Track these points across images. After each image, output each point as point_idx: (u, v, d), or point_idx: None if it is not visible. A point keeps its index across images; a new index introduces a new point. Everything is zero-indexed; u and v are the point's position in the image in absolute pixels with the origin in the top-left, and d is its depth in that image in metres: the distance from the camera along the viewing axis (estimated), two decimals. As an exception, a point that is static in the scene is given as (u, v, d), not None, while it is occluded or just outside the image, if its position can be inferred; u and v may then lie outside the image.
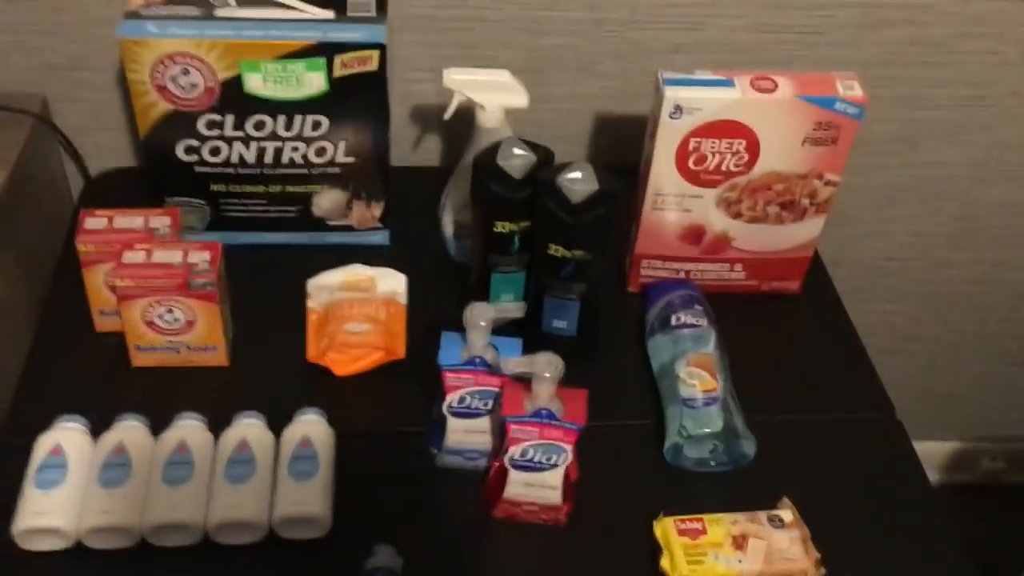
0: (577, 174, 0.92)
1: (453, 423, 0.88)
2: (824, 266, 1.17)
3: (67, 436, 0.88)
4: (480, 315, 0.82)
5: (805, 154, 1.00)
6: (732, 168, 1.00)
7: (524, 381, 0.82)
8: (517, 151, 0.94)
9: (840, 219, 1.39)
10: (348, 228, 1.13)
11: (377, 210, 1.12)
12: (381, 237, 1.15)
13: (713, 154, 0.99)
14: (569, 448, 0.82)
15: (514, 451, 0.83)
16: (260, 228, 1.12)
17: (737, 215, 1.05)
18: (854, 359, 1.07)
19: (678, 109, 0.96)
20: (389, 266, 1.09)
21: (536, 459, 0.83)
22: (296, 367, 1.00)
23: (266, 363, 1.01)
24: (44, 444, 0.87)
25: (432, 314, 1.06)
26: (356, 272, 1.08)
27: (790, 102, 0.96)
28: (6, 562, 0.82)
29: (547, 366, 0.79)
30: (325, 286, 1.07)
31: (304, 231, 1.13)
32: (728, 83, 0.96)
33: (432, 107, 1.25)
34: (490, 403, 0.87)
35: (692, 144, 0.98)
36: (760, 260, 1.09)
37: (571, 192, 0.91)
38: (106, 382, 0.98)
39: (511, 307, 0.85)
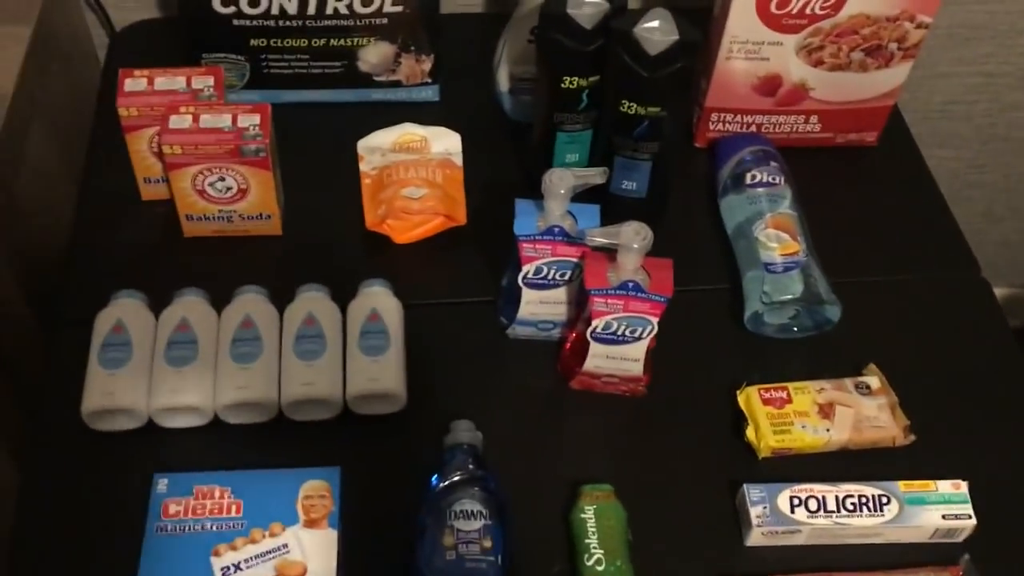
0: (655, 23, 0.84)
1: (529, 294, 0.84)
2: (902, 116, 1.10)
3: (128, 312, 0.84)
4: (560, 182, 0.77)
5: (899, -6, 0.92)
6: (817, 11, 0.92)
7: (607, 251, 0.78)
8: (589, -1, 0.86)
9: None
10: (396, 84, 1.06)
11: (427, 64, 1.05)
12: (431, 92, 1.08)
13: (798, -4, 0.91)
14: (655, 320, 0.78)
15: (597, 324, 0.79)
16: (303, 85, 1.05)
17: (818, 63, 0.97)
18: (935, 215, 1.02)
19: (764, -53, 0.87)
20: (440, 124, 1.03)
21: (620, 332, 0.79)
22: (353, 235, 0.96)
23: (321, 231, 0.96)
24: (104, 321, 0.83)
25: (489, 176, 1.01)
26: (408, 131, 1.02)
27: (888, -64, 0.87)
28: (78, 442, 0.80)
29: (635, 237, 0.74)
30: (376, 147, 1.01)
31: (350, 87, 1.06)
32: (820, -84, 0.87)
33: (478, -54, 1.16)
34: (568, 274, 0.82)
35: (776, -15, 0.90)
36: (838, 111, 1.02)
37: (648, 43, 0.84)
38: (159, 254, 0.94)
39: (591, 172, 0.79)
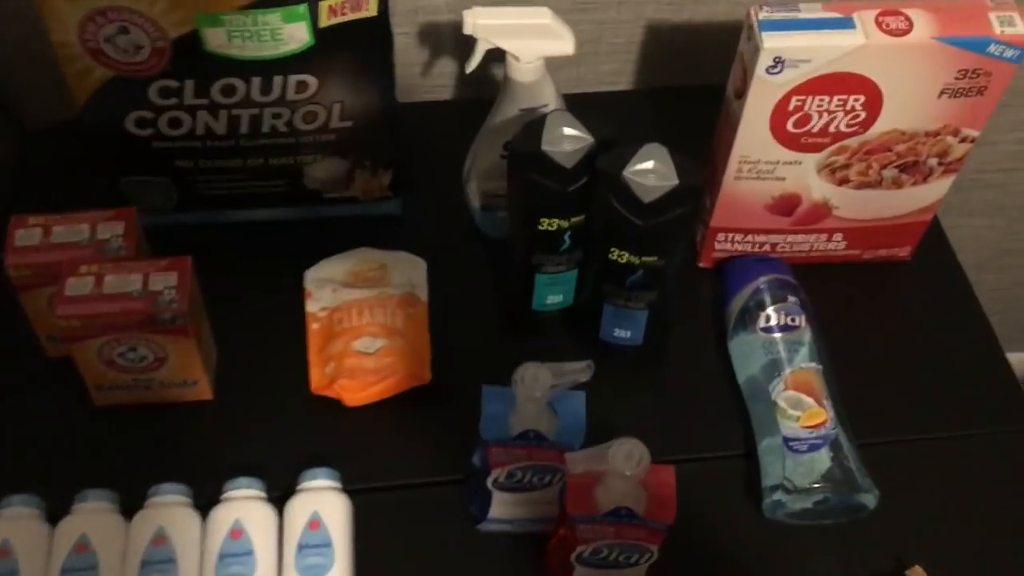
0: (648, 163, 0.69)
1: (501, 496, 0.70)
2: (941, 224, 0.95)
3: (15, 528, 0.70)
4: (534, 384, 0.62)
5: (940, 108, 0.77)
6: (843, 129, 0.77)
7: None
8: (567, 131, 0.71)
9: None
10: (351, 200, 0.91)
11: (385, 178, 0.90)
12: (391, 207, 0.93)
13: (820, 114, 0.76)
14: (654, 548, 0.64)
15: (583, 549, 0.64)
16: (242, 205, 0.91)
17: (843, 181, 0.82)
18: (980, 349, 0.87)
19: (779, 62, 0.72)
20: (403, 239, 0.89)
21: (612, 558, 0.65)
22: (296, 396, 0.81)
23: (259, 393, 0.82)
24: (-11, 540, 0.69)
25: (460, 310, 0.87)
26: (364, 258, 0.88)
27: (928, 47, 0.72)
28: None
29: (626, 463, 0.59)
30: (327, 280, 0.86)
31: (297, 206, 0.91)
32: (846, 23, 0.72)
33: (446, 25, 1.00)
34: (548, 478, 0.68)
35: (794, 103, 0.75)
36: (867, 228, 0.87)
37: (641, 189, 0.69)
38: (64, 432, 0.79)
39: (576, 368, 0.64)
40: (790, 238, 0.88)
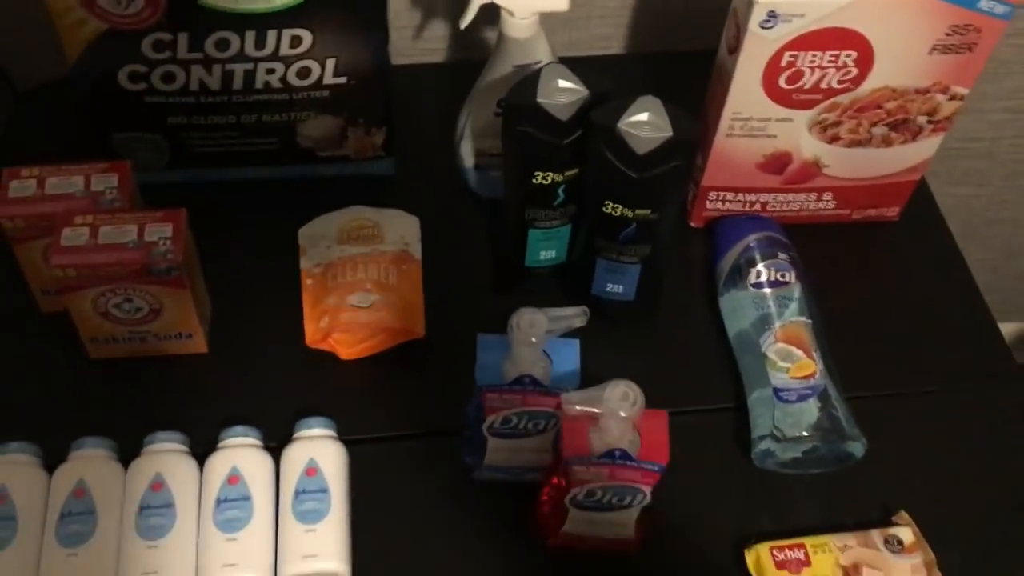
0: (643, 115, 0.70)
1: (496, 443, 0.70)
2: (929, 187, 0.96)
3: (13, 473, 0.70)
4: (530, 329, 0.63)
5: (930, 65, 0.77)
6: (835, 85, 0.78)
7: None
8: (563, 84, 0.72)
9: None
10: (344, 159, 0.92)
11: (378, 136, 0.90)
12: (384, 167, 0.93)
13: (812, 69, 0.77)
14: (648, 489, 0.65)
15: (577, 492, 0.65)
16: (234, 163, 0.91)
17: (834, 139, 0.83)
18: (966, 305, 0.88)
19: (773, 16, 0.73)
20: (396, 201, 0.89)
21: (605, 500, 0.66)
22: (291, 349, 0.82)
23: (254, 347, 0.82)
24: (-14, 486, 0.69)
25: (452, 268, 0.87)
26: (357, 216, 0.88)
27: (919, 2, 0.73)
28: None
29: (621, 403, 0.60)
30: (320, 236, 0.87)
31: (289, 164, 0.91)
32: (839, -22, 0.73)
33: (435, -14, 1.01)
34: (542, 424, 0.69)
35: (786, 58, 0.76)
36: (856, 187, 0.88)
37: (636, 140, 0.70)
38: (60, 384, 0.79)
39: (570, 314, 0.65)
40: (780, 197, 0.88)
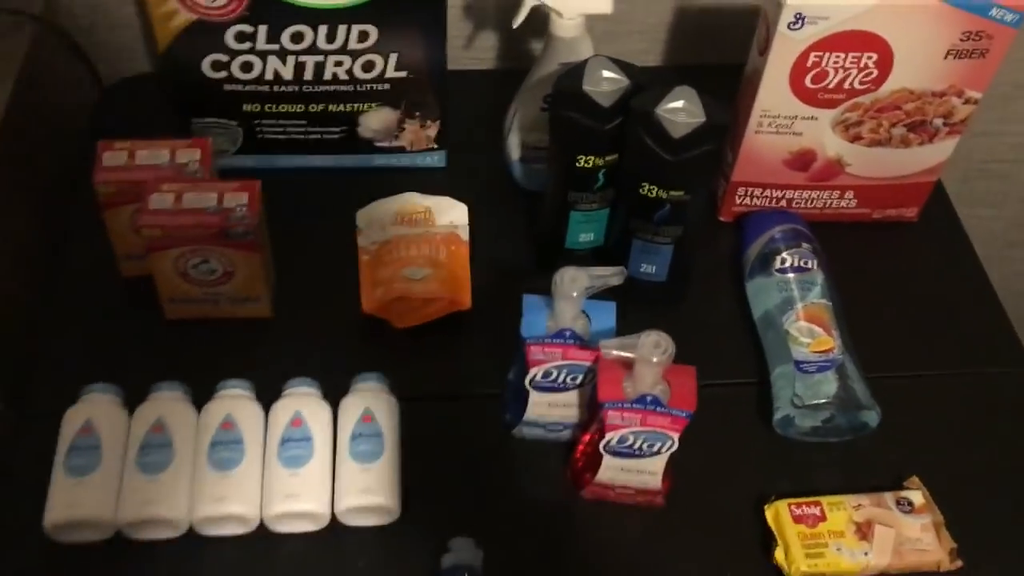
0: (679, 103, 0.77)
1: (537, 397, 0.77)
2: (944, 189, 1.02)
3: (98, 410, 0.77)
4: (572, 284, 0.70)
5: (946, 69, 0.84)
6: (856, 86, 0.85)
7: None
8: (606, 74, 0.79)
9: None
10: (399, 150, 0.99)
11: (432, 129, 0.98)
12: (437, 159, 1.01)
13: (836, 70, 0.84)
14: (676, 436, 0.71)
15: (611, 437, 0.71)
16: (299, 150, 0.99)
17: (856, 138, 0.90)
18: (981, 300, 0.94)
19: (800, 18, 0.80)
20: (446, 191, 0.96)
21: (636, 446, 0.72)
22: (349, 317, 0.88)
23: (314, 313, 0.89)
24: (73, 420, 0.76)
25: (497, 251, 0.94)
26: (411, 201, 0.95)
27: (936, 9, 0.80)
28: (39, 557, 0.73)
29: (654, 350, 0.67)
30: (376, 219, 0.94)
31: (350, 153, 0.99)
32: (861, -16, 0.80)
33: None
34: (580, 378, 0.75)
35: (812, 58, 0.83)
36: (876, 186, 0.95)
37: (672, 125, 0.77)
38: (139, 339, 0.87)
39: (608, 272, 0.72)
40: (805, 194, 0.95)
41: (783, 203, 0.96)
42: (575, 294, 0.70)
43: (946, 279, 0.96)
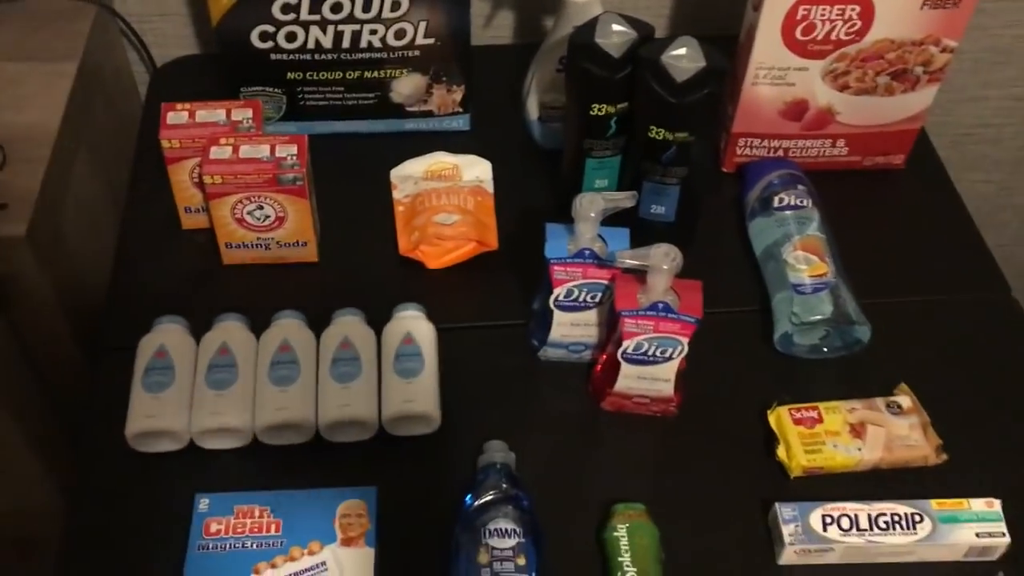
0: (682, 50, 0.86)
1: (560, 316, 0.86)
2: (929, 138, 1.11)
3: (170, 337, 0.86)
4: (590, 206, 0.79)
5: (923, 18, 0.93)
6: (842, 37, 0.94)
7: (636, 272, 0.79)
8: (616, 27, 0.88)
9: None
10: (428, 114, 1.09)
11: (458, 94, 1.08)
12: (462, 122, 1.10)
13: (823, 22, 0.93)
14: (685, 341, 0.79)
15: (628, 344, 0.80)
16: (338, 116, 1.08)
17: (844, 87, 0.99)
18: (965, 236, 1.03)
19: (788, -26, 0.89)
20: (471, 152, 1.05)
21: (650, 352, 0.81)
22: (387, 261, 0.98)
23: (356, 258, 0.99)
24: (147, 346, 0.86)
25: (520, 202, 1.03)
26: (439, 160, 1.05)
27: (910, -38, 0.89)
28: (122, 464, 0.83)
29: (664, 258, 0.75)
30: (409, 176, 1.03)
31: (383, 118, 1.09)
32: (843, -57, 0.89)
33: (506, -20, 1.18)
34: (599, 296, 0.84)
35: (801, 12, 0.92)
36: (865, 134, 1.03)
37: (676, 70, 0.86)
38: (199, 281, 0.96)
39: (620, 196, 0.81)
40: (801, 143, 1.04)
41: (781, 152, 1.04)
42: (593, 214, 0.79)
43: (931, 219, 1.04)
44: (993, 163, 1.47)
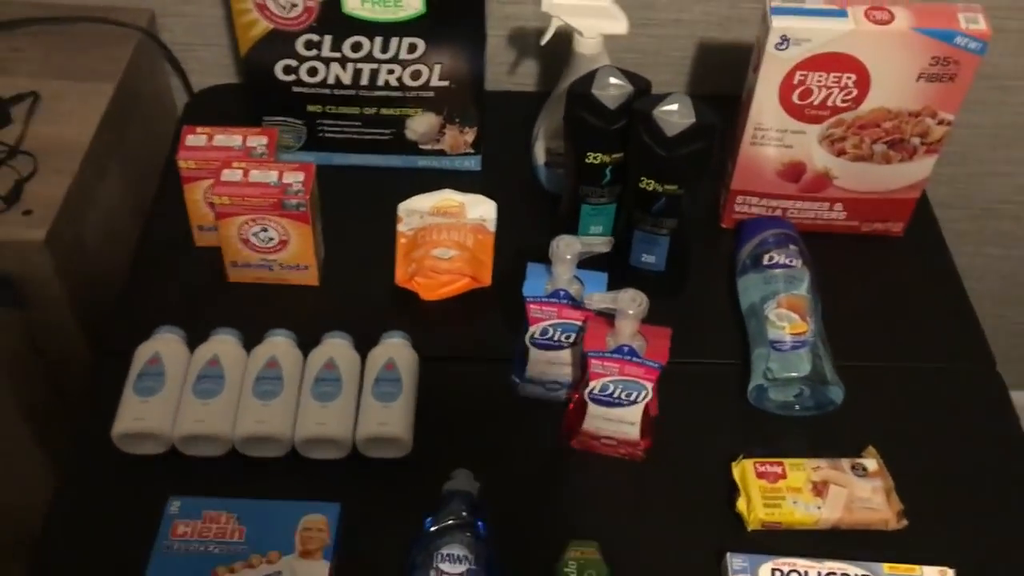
0: (674, 106, 0.89)
1: (535, 354, 0.88)
2: (932, 209, 1.12)
3: (165, 346, 0.91)
4: (566, 248, 0.82)
5: (919, 91, 0.95)
6: (839, 103, 0.96)
7: (608, 316, 0.82)
8: (613, 80, 0.92)
9: (954, 158, 1.33)
10: (440, 152, 1.13)
11: (470, 135, 1.12)
12: (473, 163, 1.14)
13: (819, 88, 0.95)
14: (649, 386, 0.81)
15: (594, 385, 0.82)
16: (355, 150, 1.13)
17: (841, 152, 1.00)
18: (956, 307, 1.03)
19: (785, 40, 0.92)
20: (480, 192, 1.08)
21: (616, 394, 0.83)
22: (384, 290, 1.02)
23: (355, 284, 1.03)
24: (143, 353, 0.90)
25: (520, 243, 1.05)
26: (446, 197, 1.08)
27: (906, 35, 0.91)
28: (107, 461, 0.87)
29: (630, 303, 0.78)
30: (415, 210, 1.07)
31: (398, 154, 1.13)
32: (841, 13, 0.91)
33: (531, 30, 1.23)
34: (573, 336, 0.86)
35: (798, 77, 0.94)
36: (863, 200, 1.05)
37: (667, 125, 0.89)
38: (203, 296, 1.01)
39: (598, 241, 0.84)
40: (798, 204, 1.05)
41: (779, 212, 1.06)
42: (568, 257, 0.82)
43: (924, 288, 1.05)
44: (1015, 240, 1.47)
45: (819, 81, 0.94)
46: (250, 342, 0.93)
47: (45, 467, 1.12)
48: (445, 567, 0.76)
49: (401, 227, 1.06)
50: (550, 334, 0.87)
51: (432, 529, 0.79)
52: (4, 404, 1.05)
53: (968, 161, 1.36)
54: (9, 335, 1.02)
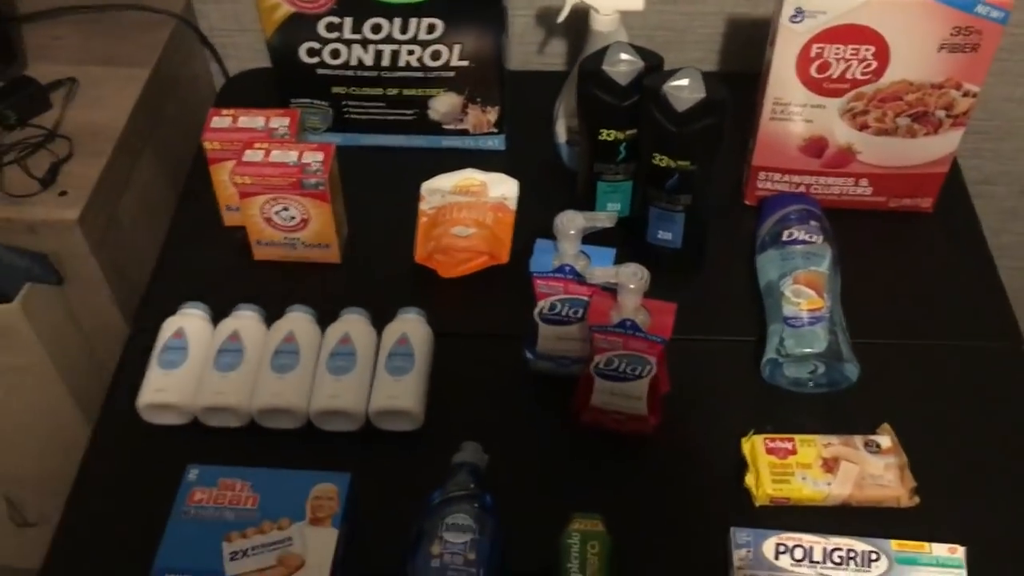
0: (683, 81, 0.89)
1: (545, 329, 0.89)
2: (964, 183, 1.09)
3: (189, 321, 0.94)
4: (569, 224, 0.82)
5: (941, 62, 0.93)
6: (858, 76, 0.94)
7: (613, 291, 0.82)
8: (624, 56, 0.92)
9: (998, 133, 1.29)
10: (464, 132, 1.14)
11: (492, 115, 1.13)
12: (496, 142, 1.15)
13: (837, 61, 0.93)
14: (653, 360, 0.82)
15: (599, 359, 0.83)
16: (379, 130, 1.15)
17: (863, 127, 0.99)
18: (985, 284, 1.01)
19: (799, 12, 0.91)
20: (503, 171, 1.09)
21: (621, 369, 0.83)
22: (404, 267, 1.03)
23: (376, 262, 1.04)
24: (168, 327, 0.94)
25: (543, 221, 1.06)
26: (468, 176, 1.10)
27: (924, 5, 0.89)
28: (131, 432, 0.90)
29: (631, 277, 0.78)
30: (437, 189, 1.09)
31: (422, 134, 1.15)
32: (857, -16, 0.90)
33: (556, 10, 1.22)
34: (580, 311, 0.87)
35: (814, 50, 0.93)
36: (888, 175, 1.03)
37: (676, 100, 0.89)
38: (229, 273, 1.04)
39: (601, 216, 0.84)
40: (822, 180, 1.04)
41: (802, 188, 1.05)
42: (572, 232, 0.82)
43: (952, 265, 1.03)
44: (1065, 217, 1.42)
45: (837, 54, 0.93)
46: (272, 318, 0.95)
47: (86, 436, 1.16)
48: (449, 536, 0.78)
49: (423, 205, 1.08)
50: (558, 309, 0.87)
51: (439, 499, 0.81)
52: (49, 376, 1.09)
53: (1014, 136, 1.32)
54: (53, 310, 1.06)
